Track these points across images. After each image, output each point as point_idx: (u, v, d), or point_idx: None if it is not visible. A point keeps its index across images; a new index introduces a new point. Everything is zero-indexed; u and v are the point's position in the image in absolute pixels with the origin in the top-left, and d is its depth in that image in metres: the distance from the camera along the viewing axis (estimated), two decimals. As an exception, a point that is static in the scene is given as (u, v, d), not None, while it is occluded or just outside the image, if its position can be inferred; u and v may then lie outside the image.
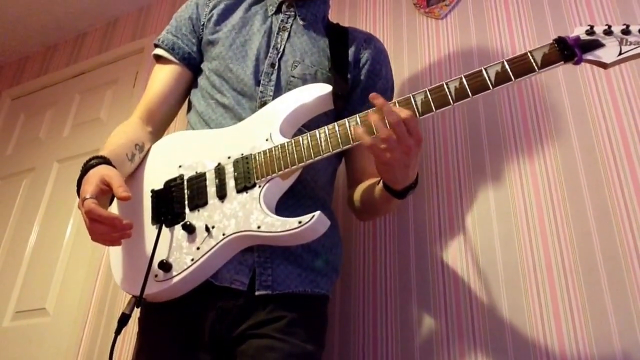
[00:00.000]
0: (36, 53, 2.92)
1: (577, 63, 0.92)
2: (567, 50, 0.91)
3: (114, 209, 1.15)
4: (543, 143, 1.35)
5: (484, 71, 0.93)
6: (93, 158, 1.04)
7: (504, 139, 1.41)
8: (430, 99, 0.95)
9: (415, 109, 0.95)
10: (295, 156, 1.02)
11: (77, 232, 2.10)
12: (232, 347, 1.04)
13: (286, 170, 1.02)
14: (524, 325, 1.18)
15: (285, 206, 1.05)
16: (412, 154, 0.94)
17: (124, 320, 0.97)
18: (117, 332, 0.96)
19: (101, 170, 1.00)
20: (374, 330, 1.34)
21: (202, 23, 1.29)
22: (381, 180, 1.07)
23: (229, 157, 1.08)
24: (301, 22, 1.28)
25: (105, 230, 0.95)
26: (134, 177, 1.17)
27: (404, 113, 0.92)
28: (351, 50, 1.27)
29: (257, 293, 1.03)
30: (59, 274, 2.04)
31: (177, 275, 1.00)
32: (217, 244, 1.00)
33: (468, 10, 1.64)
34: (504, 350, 1.18)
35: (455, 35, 1.62)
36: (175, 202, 1.07)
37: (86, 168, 1.02)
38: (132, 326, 1.14)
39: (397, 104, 0.97)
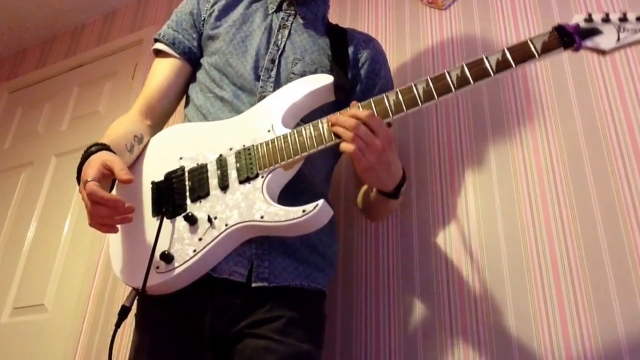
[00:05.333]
0: (34, 45, 2.89)
1: (576, 50, 0.94)
2: (567, 37, 0.94)
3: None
4: (549, 137, 1.32)
5: (485, 59, 0.96)
6: (93, 145, 1.04)
7: (509, 132, 1.38)
8: (432, 87, 0.97)
9: (418, 97, 0.97)
10: (298, 146, 1.02)
11: (76, 227, 2.08)
12: (230, 344, 1.03)
13: (289, 160, 1.02)
14: (529, 320, 1.16)
15: (285, 198, 1.04)
16: (384, 153, 0.97)
17: (124, 313, 0.96)
18: (117, 325, 0.95)
19: (102, 156, 1.00)
20: (376, 326, 1.33)
21: (202, 18, 1.30)
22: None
23: (230, 149, 1.08)
24: (301, 21, 1.28)
25: (106, 213, 0.94)
26: (133, 168, 1.15)
27: (362, 113, 0.95)
28: (350, 50, 1.28)
29: (253, 285, 1.03)
30: (58, 269, 2.02)
31: (179, 266, 0.98)
32: (220, 234, 0.99)
33: (472, 0, 1.60)
34: (508, 346, 1.17)
35: (459, 25, 1.59)
36: (176, 194, 1.06)
37: (87, 154, 1.02)
38: (132, 320, 1.12)
39: (359, 107, 1.00)
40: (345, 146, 0.97)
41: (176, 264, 0.99)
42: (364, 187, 1.23)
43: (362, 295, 1.38)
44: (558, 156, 1.29)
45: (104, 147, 1.04)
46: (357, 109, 0.99)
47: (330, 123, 1.00)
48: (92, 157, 1.00)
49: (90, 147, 1.04)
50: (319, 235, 1.12)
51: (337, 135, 1.00)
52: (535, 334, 1.15)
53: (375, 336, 1.31)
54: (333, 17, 1.42)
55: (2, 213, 2.33)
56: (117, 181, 1.06)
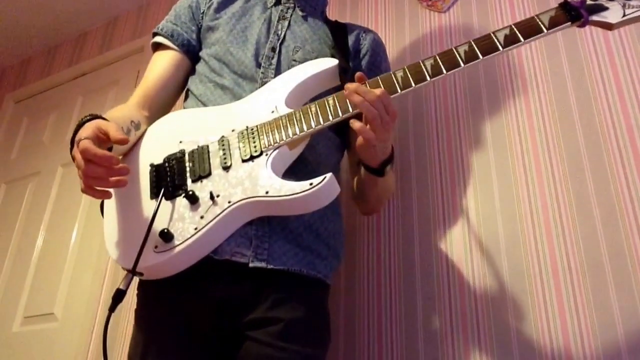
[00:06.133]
0: (38, 54, 2.90)
1: (583, 25, 0.95)
2: (574, 11, 0.94)
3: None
4: (548, 137, 1.30)
5: (492, 35, 0.96)
6: (88, 115, 1.00)
7: (508, 131, 1.36)
8: (440, 62, 0.96)
9: (426, 72, 0.96)
10: (304, 123, 0.99)
11: (83, 236, 2.08)
12: (231, 342, 1.01)
13: (294, 137, 0.98)
14: (529, 318, 1.15)
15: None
16: (390, 129, 0.99)
17: (118, 296, 0.90)
18: (111, 309, 0.90)
19: (97, 121, 0.96)
20: (378, 322, 1.31)
21: (202, 11, 1.30)
22: (360, 165, 1.11)
23: (232, 130, 1.05)
24: (300, 13, 1.28)
25: (100, 172, 0.89)
26: (131, 153, 1.12)
27: (377, 91, 0.95)
28: (350, 40, 1.28)
29: (251, 265, 0.99)
30: (66, 278, 2.01)
31: (179, 244, 0.93)
32: (223, 211, 0.95)
33: (471, 3, 1.59)
34: (507, 342, 1.15)
35: (458, 28, 1.57)
36: (176, 175, 1.02)
37: (81, 123, 0.99)
38: (131, 315, 1.11)
39: (366, 83, 1.00)
40: (356, 123, 0.96)
41: (176, 242, 0.94)
42: (357, 175, 1.21)
43: (365, 292, 1.36)
44: (557, 159, 1.27)
45: (99, 117, 1.00)
46: (369, 88, 0.97)
47: (347, 91, 0.97)
48: (87, 124, 0.96)
49: (85, 117, 1.00)
50: (324, 223, 1.09)
51: (342, 111, 0.98)
52: (535, 332, 1.14)
53: (378, 332, 1.30)
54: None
55: (11, 223, 2.33)
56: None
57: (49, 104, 2.62)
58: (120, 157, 1.12)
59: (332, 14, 1.84)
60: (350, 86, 0.97)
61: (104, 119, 1.00)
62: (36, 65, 2.86)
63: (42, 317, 1.99)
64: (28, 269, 2.14)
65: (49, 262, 2.11)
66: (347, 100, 0.98)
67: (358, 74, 1.01)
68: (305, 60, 1.16)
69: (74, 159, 0.93)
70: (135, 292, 1.10)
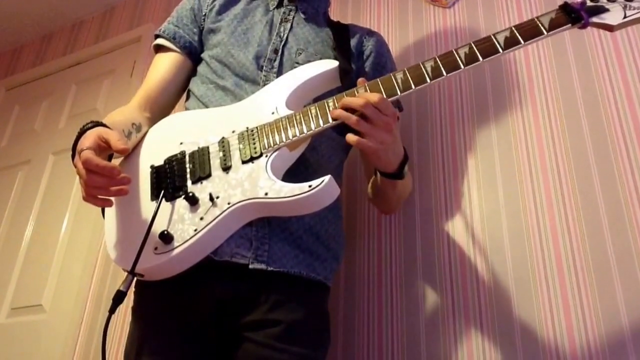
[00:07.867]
0: (31, 42, 2.86)
1: (583, 26, 0.94)
2: (574, 14, 0.93)
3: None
4: (554, 133, 1.29)
5: (492, 37, 0.96)
6: (90, 122, 1.01)
7: (512, 127, 1.36)
8: (440, 64, 0.96)
9: (426, 74, 0.96)
10: (304, 125, 0.99)
11: (73, 226, 2.05)
12: (229, 342, 1.01)
13: (294, 139, 0.99)
14: (533, 316, 1.15)
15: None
16: (393, 129, 0.98)
17: (119, 298, 0.91)
18: (112, 311, 0.91)
19: (99, 129, 0.98)
20: (379, 320, 1.31)
21: (203, 13, 1.31)
22: (376, 172, 1.10)
23: (233, 131, 1.05)
24: (302, 15, 1.28)
25: (102, 182, 0.91)
26: (131, 155, 1.13)
27: (372, 97, 0.94)
28: (353, 42, 1.28)
29: (251, 266, 0.99)
30: (55, 269, 1.99)
31: (178, 246, 0.94)
32: (222, 213, 0.95)
33: (477, -2, 1.58)
34: (511, 341, 1.15)
35: (463, 24, 1.56)
36: (176, 176, 1.03)
37: (82, 131, 0.99)
38: (124, 313, 1.10)
39: (366, 86, 1.00)
40: (351, 137, 0.95)
41: (175, 244, 0.94)
42: (373, 177, 1.22)
43: (365, 290, 1.36)
44: (563, 155, 1.26)
45: (101, 124, 1.01)
46: (365, 92, 0.98)
47: (336, 105, 0.98)
48: (88, 132, 0.98)
49: (87, 124, 1.01)
50: (324, 226, 1.10)
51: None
52: (539, 329, 1.13)
53: (378, 330, 1.30)
54: (334, 17, 1.41)
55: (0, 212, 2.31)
56: (113, 158, 1.04)
57: (41, 92, 2.58)
58: (122, 158, 1.13)
59: (334, 9, 1.82)
60: (341, 101, 0.98)
61: (105, 125, 1.01)
62: (29, 53, 2.81)
63: (29, 309, 1.97)
64: (16, 259, 2.11)
65: (38, 253, 2.08)
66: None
67: (360, 79, 1.01)
68: (308, 62, 1.16)
69: (75, 166, 0.94)
70: (133, 289, 1.10)
